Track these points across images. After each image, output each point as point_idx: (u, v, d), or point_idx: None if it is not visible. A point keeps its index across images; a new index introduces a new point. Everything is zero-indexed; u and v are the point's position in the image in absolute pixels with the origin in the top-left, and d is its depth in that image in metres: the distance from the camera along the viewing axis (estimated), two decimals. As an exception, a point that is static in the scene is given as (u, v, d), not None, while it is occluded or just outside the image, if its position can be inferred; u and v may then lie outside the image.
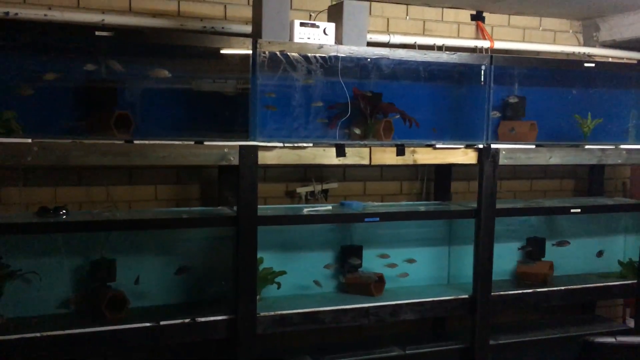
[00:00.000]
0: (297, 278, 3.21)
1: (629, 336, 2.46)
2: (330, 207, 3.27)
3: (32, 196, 2.94)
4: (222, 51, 2.87)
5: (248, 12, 3.12)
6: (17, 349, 2.50)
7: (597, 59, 3.90)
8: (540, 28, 4.01)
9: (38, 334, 2.53)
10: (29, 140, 2.46)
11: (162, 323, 2.73)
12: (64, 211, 2.75)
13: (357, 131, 3.15)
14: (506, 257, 3.61)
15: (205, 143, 2.73)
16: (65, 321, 2.69)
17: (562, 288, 3.52)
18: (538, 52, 3.86)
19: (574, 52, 3.94)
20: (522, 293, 3.44)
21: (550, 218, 3.77)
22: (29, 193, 2.94)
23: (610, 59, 3.97)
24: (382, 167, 3.65)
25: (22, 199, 2.92)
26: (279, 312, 2.93)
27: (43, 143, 2.48)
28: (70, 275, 2.82)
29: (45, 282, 2.73)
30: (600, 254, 3.80)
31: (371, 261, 3.33)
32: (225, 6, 3.26)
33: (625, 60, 3.99)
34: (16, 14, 2.79)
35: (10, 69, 2.66)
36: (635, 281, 3.67)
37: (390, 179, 3.69)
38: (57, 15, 2.86)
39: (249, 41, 2.76)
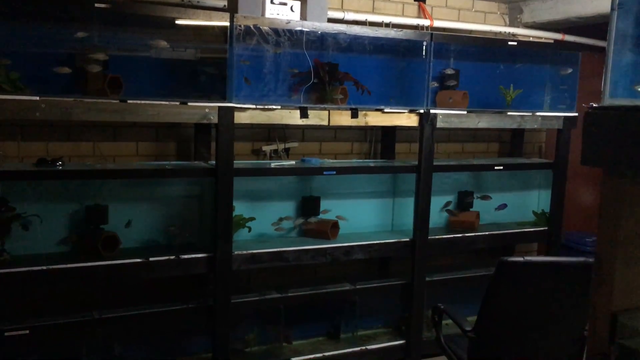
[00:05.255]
0: (264, 225, 3.70)
1: (534, 257, 3.08)
2: (293, 163, 3.76)
3: (28, 150, 3.27)
4: (204, 23, 3.27)
5: (222, -12, 3.51)
6: (25, 280, 2.88)
7: (520, 38, 4.50)
8: (473, 9, 4.57)
9: (44, 267, 2.91)
10: (37, 98, 2.80)
11: (150, 259, 3.15)
12: (60, 162, 3.11)
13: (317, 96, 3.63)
14: (441, 207, 4.22)
15: (189, 104, 3.14)
16: (66, 258, 3.08)
17: (486, 233, 4.17)
18: (471, 31, 4.42)
19: (500, 32, 4.54)
20: (454, 237, 4.06)
21: (478, 175, 4.40)
22: (25, 147, 3.27)
23: (531, 39, 4.58)
24: (336, 129, 4.14)
25: (19, 153, 3.25)
26: (250, 251, 3.41)
27: (49, 100, 2.83)
28: (68, 219, 3.20)
29: (46, 224, 3.10)
30: (501, 207, 4.42)
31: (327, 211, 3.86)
32: (200, -18, 3.63)
33: (543, 40, 4.61)
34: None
35: (17, 34, 2.97)
36: (546, 228, 4.36)
37: (343, 139, 4.20)
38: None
39: (227, 15, 3.17)
